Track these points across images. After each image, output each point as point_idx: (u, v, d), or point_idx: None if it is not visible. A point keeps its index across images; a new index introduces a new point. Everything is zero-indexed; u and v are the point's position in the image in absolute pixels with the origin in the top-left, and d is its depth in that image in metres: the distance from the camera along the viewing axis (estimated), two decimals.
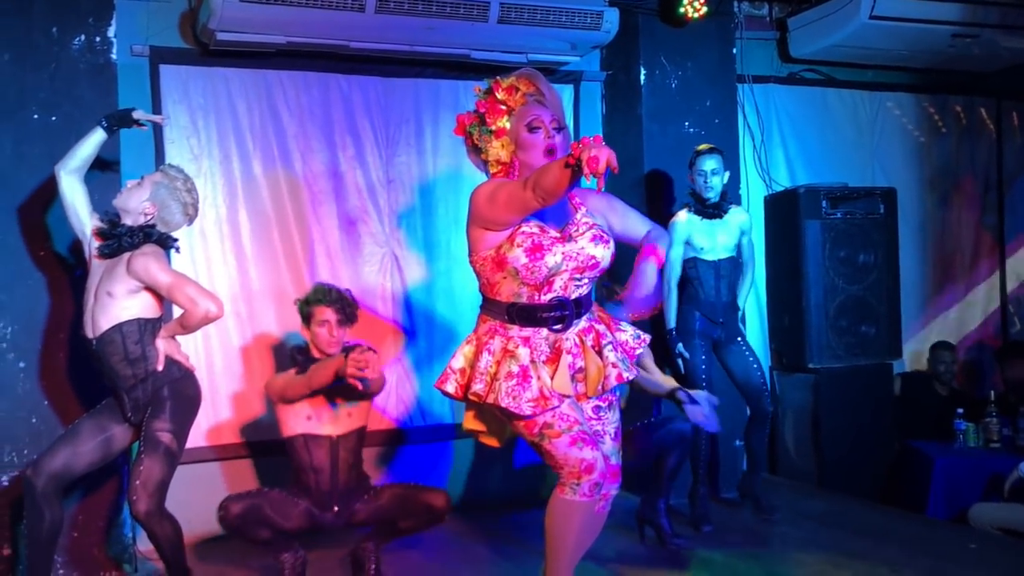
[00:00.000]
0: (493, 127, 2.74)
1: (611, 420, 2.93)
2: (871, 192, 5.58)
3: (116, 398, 3.38)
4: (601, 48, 5.14)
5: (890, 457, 5.51)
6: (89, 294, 3.34)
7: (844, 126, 6.00)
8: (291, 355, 3.82)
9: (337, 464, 3.71)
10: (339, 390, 3.65)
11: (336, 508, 3.70)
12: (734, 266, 4.64)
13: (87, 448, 3.35)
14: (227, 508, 3.48)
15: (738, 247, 4.66)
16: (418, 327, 4.94)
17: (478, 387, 2.74)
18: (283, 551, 3.61)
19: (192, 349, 4.45)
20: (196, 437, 4.45)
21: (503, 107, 2.75)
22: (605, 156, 2.29)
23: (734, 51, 5.36)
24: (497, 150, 2.75)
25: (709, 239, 4.55)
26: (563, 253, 2.71)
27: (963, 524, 4.77)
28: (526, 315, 2.74)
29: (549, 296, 2.73)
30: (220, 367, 4.55)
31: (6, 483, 3.84)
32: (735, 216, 4.64)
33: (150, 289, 3.26)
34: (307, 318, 3.76)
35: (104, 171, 3.91)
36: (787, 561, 3.98)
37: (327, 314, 3.72)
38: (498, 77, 2.81)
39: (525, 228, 2.70)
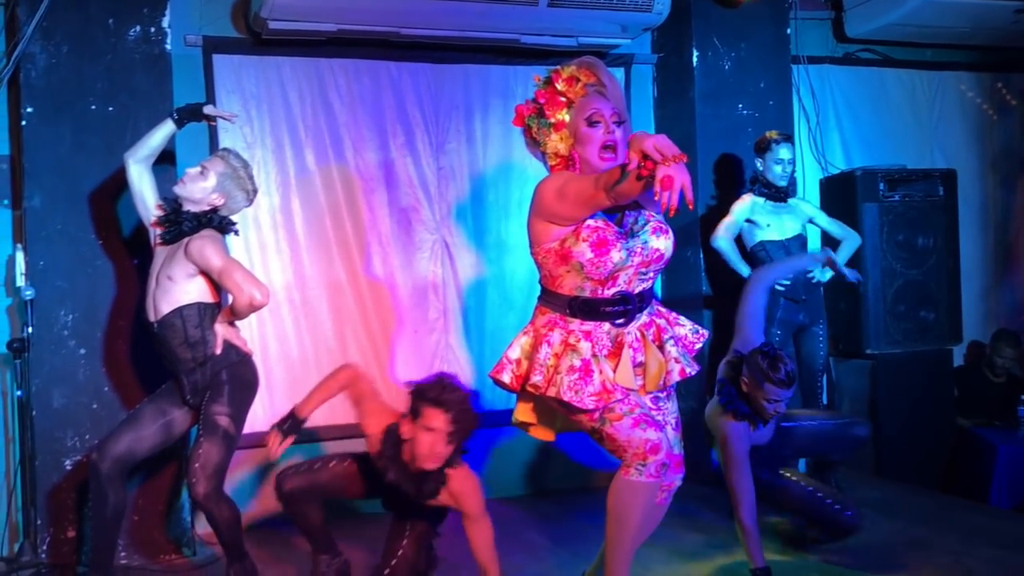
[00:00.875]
0: (552, 119, 2.71)
1: (671, 410, 2.91)
2: (930, 174, 5.45)
3: (175, 382, 3.44)
4: (652, 30, 5.08)
5: (949, 444, 5.40)
6: (151, 279, 3.41)
7: (902, 107, 5.87)
8: (384, 445, 3.14)
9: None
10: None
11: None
12: (803, 244, 4.69)
13: (149, 432, 3.41)
14: (282, 481, 3.23)
15: (804, 231, 4.73)
16: (469, 314, 4.94)
17: (537, 379, 2.71)
18: (323, 552, 3.36)
19: (247, 335, 4.48)
20: (251, 422, 4.53)
21: (563, 99, 2.71)
22: (680, 182, 2.24)
23: (788, 31, 5.26)
24: (556, 143, 2.72)
25: (776, 219, 4.61)
26: (628, 249, 2.68)
27: None
28: (588, 309, 2.72)
29: (613, 291, 2.71)
30: (275, 353, 4.60)
31: (69, 467, 3.92)
32: (801, 204, 4.78)
33: (205, 274, 3.30)
34: (416, 413, 3.02)
35: (160, 159, 3.96)
36: (844, 549, 3.91)
37: (439, 421, 2.97)
38: (558, 67, 2.76)
39: (590, 222, 2.67)
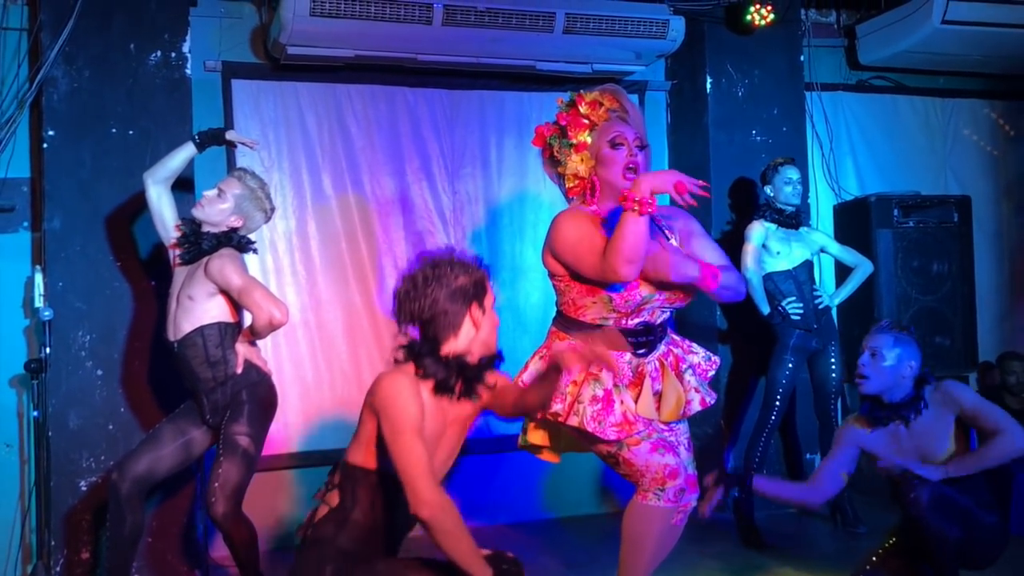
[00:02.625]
0: (574, 140, 2.74)
1: (683, 431, 2.92)
2: (945, 200, 5.45)
3: (195, 401, 3.44)
4: (666, 57, 5.12)
5: None
6: (172, 299, 3.42)
7: (915, 134, 5.88)
8: (414, 350, 2.34)
9: None
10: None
11: None
12: (811, 270, 4.68)
13: (168, 451, 3.41)
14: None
15: (815, 259, 4.75)
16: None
17: (558, 407, 2.71)
18: None
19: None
20: (266, 444, 4.53)
21: (586, 121, 2.74)
22: (671, 180, 2.49)
23: (801, 58, 5.30)
24: (576, 164, 2.75)
25: (785, 247, 4.60)
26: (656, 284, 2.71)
27: None
28: None
29: (636, 321, 2.72)
30: (289, 376, 4.61)
31: (85, 488, 3.93)
32: (813, 233, 4.78)
33: (225, 293, 3.32)
34: (477, 295, 2.38)
35: (178, 181, 3.99)
36: None
37: (491, 299, 2.46)
38: (582, 91, 2.81)
39: None
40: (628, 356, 2.74)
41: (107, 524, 3.44)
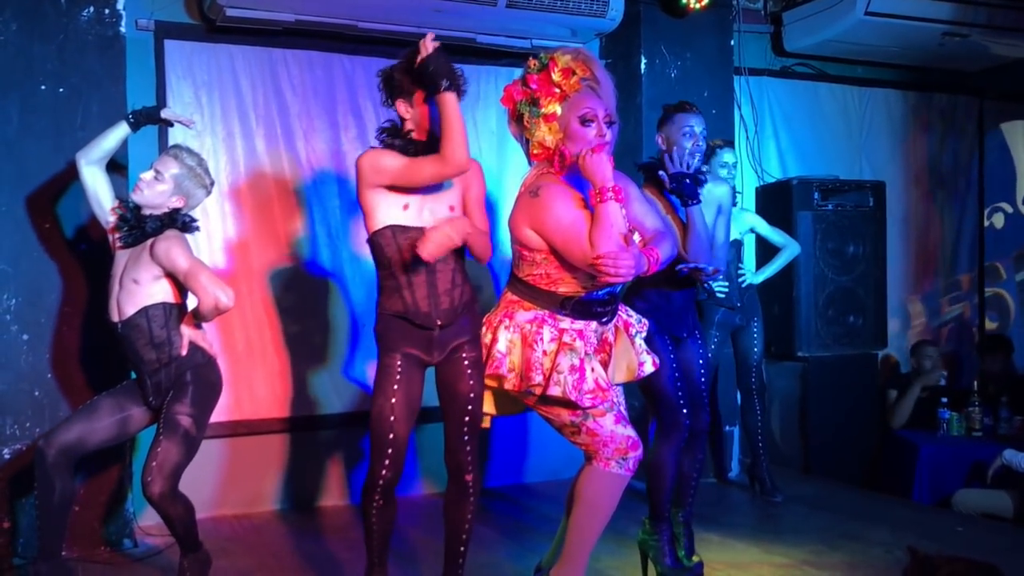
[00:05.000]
0: (544, 110, 2.71)
1: (622, 399, 3.00)
2: (862, 185, 5.69)
3: (139, 382, 3.37)
4: (601, 36, 5.18)
5: (874, 444, 5.64)
6: (114, 281, 3.30)
7: (834, 120, 6.11)
8: (380, 138, 3.01)
9: (435, 272, 2.91)
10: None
11: (439, 323, 2.92)
12: (739, 249, 4.88)
13: (103, 424, 3.32)
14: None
15: (742, 240, 4.93)
16: None
17: (538, 378, 2.74)
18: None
19: None
20: None
21: (557, 90, 2.72)
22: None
23: (732, 43, 5.43)
24: (544, 134, 2.74)
25: None
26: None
27: (947, 509, 4.92)
28: (582, 308, 2.78)
29: (604, 291, 2.79)
30: (218, 345, 4.53)
31: (8, 456, 3.81)
32: (744, 214, 4.97)
33: (171, 275, 3.25)
34: (407, 91, 2.90)
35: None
36: (783, 542, 4.06)
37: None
38: (555, 54, 2.75)
39: None
40: (595, 324, 2.80)
41: (36, 492, 3.35)
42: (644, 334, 3.03)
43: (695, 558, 3.62)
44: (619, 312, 2.94)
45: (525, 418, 5.07)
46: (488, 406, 3.00)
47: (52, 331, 3.89)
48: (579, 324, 2.78)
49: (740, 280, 4.83)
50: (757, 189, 5.77)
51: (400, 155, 2.85)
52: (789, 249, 4.97)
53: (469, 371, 2.93)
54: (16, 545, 3.84)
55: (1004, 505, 4.73)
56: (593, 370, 2.74)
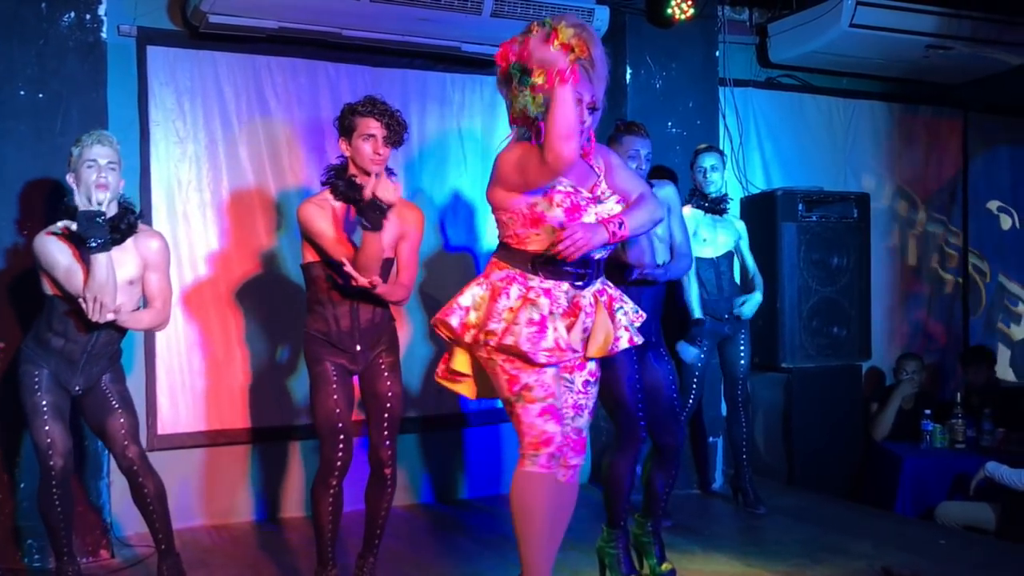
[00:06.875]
0: (533, 80, 2.66)
1: (593, 395, 2.98)
2: (846, 197, 5.70)
3: (64, 373, 3.33)
4: None
5: (858, 456, 5.64)
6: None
7: (819, 131, 6.12)
8: (327, 179, 3.39)
9: (358, 306, 3.33)
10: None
11: (359, 347, 3.36)
12: (731, 262, 4.80)
13: (65, 419, 3.35)
14: None
15: (735, 250, 4.84)
16: (411, 311, 4.92)
17: (495, 326, 2.73)
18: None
19: (173, 335, 4.42)
20: (173, 422, 4.44)
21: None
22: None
23: (717, 54, 5.44)
24: (527, 102, 2.70)
25: (712, 233, 4.71)
26: (596, 213, 2.77)
27: (929, 521, 4.92)
28: (551, 267, 2.76)
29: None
30: (200, 353, 4.51)
31: None
32: (737, 223, 4.87)
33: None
34: (349, 130, 3.31)
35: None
36: (765, 554, 4.05)
37: (373, 127, 3.27)
38: (560, 25, 2.66)
39: (561, 188, 2.73)
40: (565, 286, 2.78)
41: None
42: (638, 323, 2.99)
43: (666, 565, 3.65)
44: (607, 290, 2.92)
45: (500, 429, 5.06)
46: (461, 366, 2.93)
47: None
48: (548, 283, 2.76)
49: (731, 304, 4.77)
50: (742, 200, 5.77)
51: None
52: (757, 293, 4.82)
53: (386, 373, 3.37)
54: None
55: (986, 517, 4.73)
56: (555, 330, 2.72)
